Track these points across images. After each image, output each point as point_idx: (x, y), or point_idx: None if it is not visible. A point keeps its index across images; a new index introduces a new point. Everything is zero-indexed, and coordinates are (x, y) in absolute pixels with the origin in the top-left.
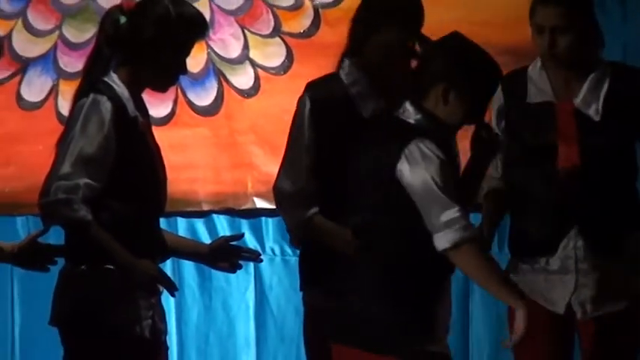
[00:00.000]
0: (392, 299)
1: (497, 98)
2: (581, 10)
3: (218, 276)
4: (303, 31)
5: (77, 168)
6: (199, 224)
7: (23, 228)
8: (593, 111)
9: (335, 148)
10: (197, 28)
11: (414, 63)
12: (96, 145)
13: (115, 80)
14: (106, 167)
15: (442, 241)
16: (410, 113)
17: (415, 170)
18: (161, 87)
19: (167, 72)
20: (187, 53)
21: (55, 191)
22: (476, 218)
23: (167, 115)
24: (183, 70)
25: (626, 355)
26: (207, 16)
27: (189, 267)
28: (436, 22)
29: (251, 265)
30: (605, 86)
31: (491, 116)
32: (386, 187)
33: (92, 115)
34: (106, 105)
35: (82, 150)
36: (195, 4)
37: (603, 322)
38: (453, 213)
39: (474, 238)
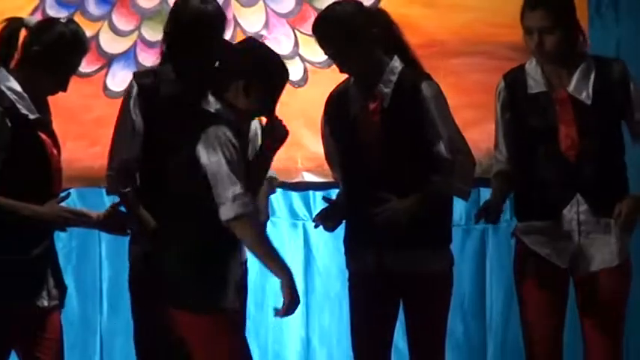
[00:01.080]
0: (194, 264)
1: (501, 93)
2: (564, 13)
3: (274, 237)
4: None
5: None
6: None
7: (108, 198)
8: (585, 96)
9: (156, 131)
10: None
11: None
12: None
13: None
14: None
15: (227, 212)
16: (211, 103)
17: (210, 151)
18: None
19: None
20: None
21: None
22: (485, 193)
23: None
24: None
25: (618, 306)
26: (263, 19)
27: None
28: (457, 25)
29: (300, 230)
30: (592, 75)
31: (496, 108)
32: (189, 165)
33: None
34: None
35: None
36: (252, 8)
37: (599, 277)
38: (238, 189)
39: (253, 213)
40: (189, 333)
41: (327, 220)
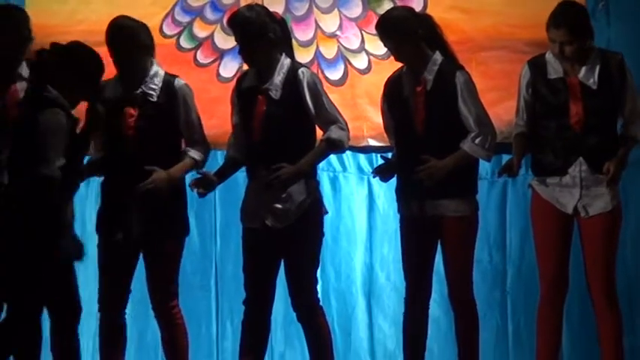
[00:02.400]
0: (36, 212)
1: (526, 75)
2: (580, 30)
3: (345, 188)
4: None
5: None
6: (333, 157)
7: (221, 159)
8: (592, 82)
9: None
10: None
11: None
12: None
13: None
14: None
15: (45, 170)
16: (52, 92)
17: (43, 125)
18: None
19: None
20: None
21: None
22: (506, 157)
23: None
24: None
25: (612, 241)
26: (338, 22)
27: (325, 183)
28: (485, 26)
29: (366, 182)
30: (598, 67)
31: (520, 84)
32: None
33: None
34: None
35: None
36: (329, 14)
37: (597, 219)
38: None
39: (58, 176)
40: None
41: (382, 173)
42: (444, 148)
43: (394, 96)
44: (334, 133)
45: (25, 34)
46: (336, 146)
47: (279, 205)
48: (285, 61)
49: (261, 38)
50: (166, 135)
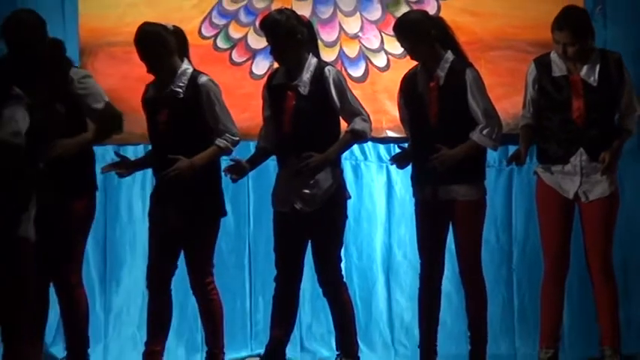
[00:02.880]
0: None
1: (532, 72)
2: (582, 32)
3: (366, 175)
4: None
5: None
6: (355, 147)
7: (253, 149)
8: (592, 80)
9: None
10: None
11: None
12: None
13: None
14: None
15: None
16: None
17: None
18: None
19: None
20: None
21: None
22: (512, 148)
23: None
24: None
25: (609, 223)
26: (359, 24)
27: (348, 171)
28: (492, 27)
29: (384, 170)
30: (598, 65)
31: (526, 81)
32: None
33: None
34: None
35: None
36: (352, 17)
37: (597, 203)
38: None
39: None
40: None
41: (399, 161)
42: (454, 138)
43: (410, 91)
44: (358, 124)
45: None
46: (360, 136)
47: (307, 191)
48: (312, 60)
49: (291, 39)
50: (194, 127)
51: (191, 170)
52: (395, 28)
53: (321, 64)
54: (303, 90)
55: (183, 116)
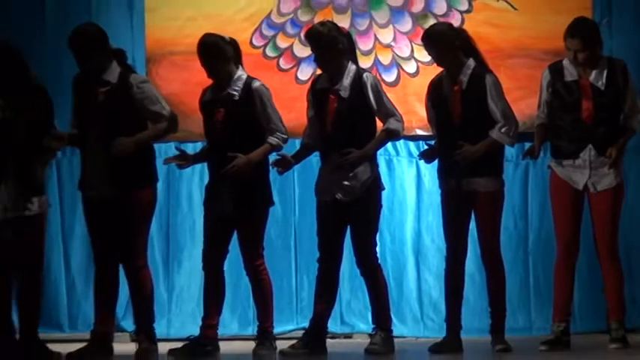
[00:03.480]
0: None
1: (547, 77)
2: (591, 40)
3: (398, 169)
4: None
5: None
6: (388, 144)
7: (298, 145)
8: (600, 84)
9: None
10: None
11: None
12: None
13: None
14: None
15: None
16: None
17: None
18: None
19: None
20: None
21: None
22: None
23: None
24: None
25: (616, 212)
26: (392, 35)
27: (382, 165)
28: (511, 38)
29: (414, 164)
30: (605, 71)
31: (541, 84)
32: None
33: None
34: None
35: None
36: (385, 29)
37: (604, 194)
38: None
39: None
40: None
41: (427, 157)
42: (475, 136)
43: (436, 94)
44: (392, 124)
45: None
46: (394, 135)
47: (347, 183)
48: (351, 67)
49: (332, 48)
50: (248, 126)
51: (249, 166)
52: (423, 39)
53: (360, 71)
54: (344, 94)
55: (238, 116)
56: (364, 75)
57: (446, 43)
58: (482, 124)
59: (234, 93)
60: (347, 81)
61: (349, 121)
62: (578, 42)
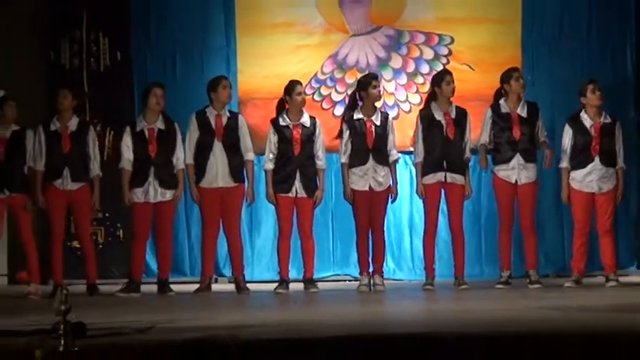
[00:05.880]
0: None
1: (488, 112)
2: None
3: (399, 172)
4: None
5: None
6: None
7: (335, 159)
8: (524, 114)
9: None
10: None
11: None
12: None
13: None
14: None
15: None
16: None
17: None
18: None
19: None
20: None
21: None
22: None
23: None
24: None
25: (535, 198)
26: (394, 87)
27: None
28: (470, 89)
29: (409, 169)
30: (526, 107)
31: (485, 117)
32: None
33: None
34: None
35: None
36: (389, 83)
37: (527, 186)
38: None
39: None
40: None
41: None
42: (459, 156)
43: (427, 120)
44: (395, 155)
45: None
46: (397, 160)
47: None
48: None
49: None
50: (313, 146)
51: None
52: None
53: (381, 109)
54: (377, 122)
55: (308, 138)
56: (385, 111)
57: (432, 85)
58: (462, 146)
59: (305, 122)
60: (377, 113)
61: (381, 140)
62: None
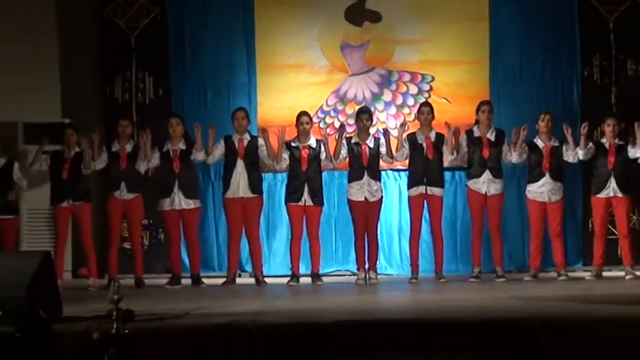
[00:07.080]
0: None
1: (464, 137)
2: (492, 113)
3: (389, 184)
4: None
5: None
6: (384, 172)
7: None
8: (493, 137)
9: None
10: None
11: None
12: None
13: None
14: None
15: None
16: None
17: None
18: None
19: None
20: None
21: None
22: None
23: None
24: None
25: (501, 208)
26: (385, 116)
27: (383, 183)
28: (447, 118)
29: (397, 183)
30: (495, 132)
31: (462, 140)
32: None
33: None
34: None
35: None
36: (381, 113)
37: (495, 197)
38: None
39: None
40: None
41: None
42: (438, 172)
43: (414, 143)
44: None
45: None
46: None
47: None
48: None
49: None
50: (318, 162)
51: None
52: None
53: (375, 135)
54: (370, 145)
55: (315, 156)
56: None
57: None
58: (440, 164)
59: (312, 143)
60: (370, 137)
61: (374, 157)
62: (486, 116)
